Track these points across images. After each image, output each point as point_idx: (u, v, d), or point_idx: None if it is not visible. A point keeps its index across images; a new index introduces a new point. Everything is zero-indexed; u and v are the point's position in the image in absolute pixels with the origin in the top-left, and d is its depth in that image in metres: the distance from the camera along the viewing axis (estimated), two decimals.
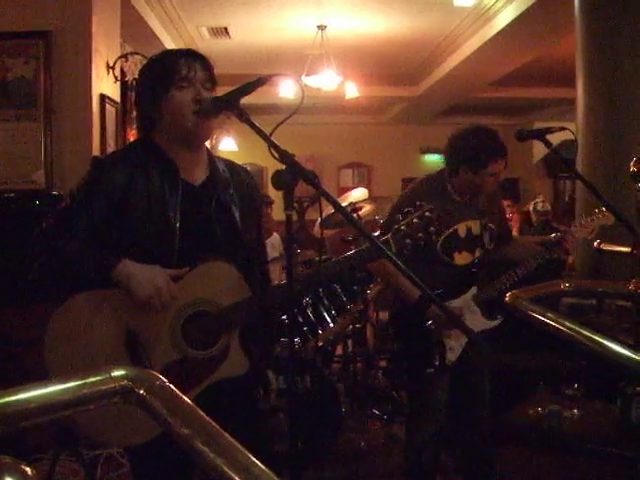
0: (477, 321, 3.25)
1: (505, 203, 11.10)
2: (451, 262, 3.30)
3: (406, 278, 1.75)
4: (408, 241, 2.15)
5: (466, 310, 3.25)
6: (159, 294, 2.00)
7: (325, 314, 4.41)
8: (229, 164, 2.34)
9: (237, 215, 2.22)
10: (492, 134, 3.34)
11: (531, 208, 8.53)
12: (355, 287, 4.89)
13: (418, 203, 2.18)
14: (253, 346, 2.21)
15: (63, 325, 2.03)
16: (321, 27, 8.21)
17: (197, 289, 2.09)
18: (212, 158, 2.27)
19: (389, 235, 2.16)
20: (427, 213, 2.16)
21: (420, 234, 2.15)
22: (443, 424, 3.36)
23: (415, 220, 2.15)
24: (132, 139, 5.95)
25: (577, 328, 2.02)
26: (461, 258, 3.32)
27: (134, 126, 6.01)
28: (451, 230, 3.26)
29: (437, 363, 3.25)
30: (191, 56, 2.13)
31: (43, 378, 1.22)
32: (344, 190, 8.84)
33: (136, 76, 5.59)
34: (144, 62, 2.26)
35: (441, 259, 3.27)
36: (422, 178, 3.50)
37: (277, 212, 2.36)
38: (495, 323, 3.30)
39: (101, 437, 2.06)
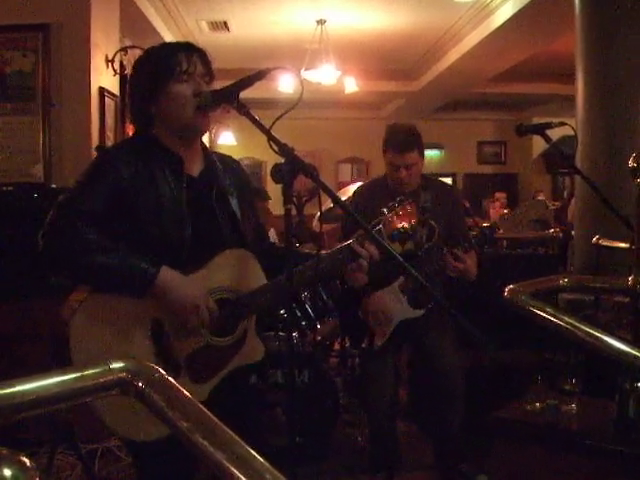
0: (403, 309, 3.43)
1: (501, 196, 11.08)
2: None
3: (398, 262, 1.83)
4: (396, 232, 2.22)
5: (393, 298, 3.42)
6: (197, 314, 2.03)
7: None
8: (219, 156, 2.35)
9: (234, 203, 2.23)
10: (396, 129, 3.56)
11: None
12: None
13: (399, 198, 2.27)
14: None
15: (89, 314, 2.02)
16: (320, 22, 8.21)
17: (217, 277, 2.13)
18: (206, 150, 2.29)
19: (380, 226, 2.20)
20: (408, 207, 2.23)
21: (404, 224, 2.21)
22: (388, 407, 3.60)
23: (400, 212, 2.21)
24: (131, 133, 5.94)
25: (576, 323, 2.02)
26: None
27: None
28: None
29: (363, 346, 3.50)
30: (190, 49, 2.13)
31: (36, 371, 1.22)
32: (343, 184, 8.86)
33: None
34: (138, 57, 2.25)
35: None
36: (369, 180, 3.79)
37: (276, 206, 2.38)
38: (420, 312, 3.45)
39: (118, 427, 2.04)
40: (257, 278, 2.18)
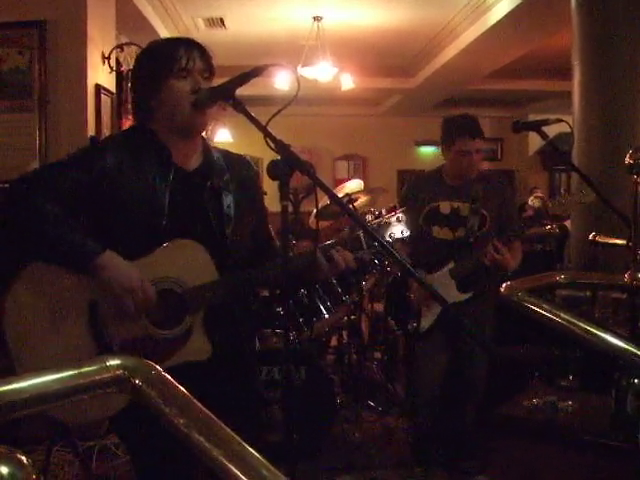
0: (450, 293, 3.51)
1: None
2: (429, 234, 3.62)
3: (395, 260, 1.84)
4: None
5: (442, 282, 3.52)
6: (133, 296, 2.00)
7: (320, 305, 4.41)
8: (225, 153, 2.34)
9: (227, 201, 2.20)
10: (465, 117, 3.64)
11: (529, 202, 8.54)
12: (350, 278, 4.89)
13: (392, 205, 2.31)
14: (226, 331, 2.19)
15: (24, 296, 2.00)
16: (317, 18, 8.20)
17: (164, 267, 2.07)
18: (207, 146, 2.27)
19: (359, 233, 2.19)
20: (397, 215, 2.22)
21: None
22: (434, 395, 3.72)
23: (384, 222, 2.20)
24: None
25: (573, 319, 2.02)
26: (440, 233, 3.63)
27: (129, 116, 5.99)
28: (433, 205, 3.62)
29: (409, 328, 3.65)
30: (190, 45, 2.13)
31: None
32: (340, 182, 8.82)
33: (132, 66, 5.60)
34: (140, 51, 2.26)
35: (420, 230, 3.60)
36: (423, 172, 3.97)
37: (272, 203, 2.37)
38: (466, 296, 3.56)
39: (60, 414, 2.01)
40: (207, 272, 2.11)
